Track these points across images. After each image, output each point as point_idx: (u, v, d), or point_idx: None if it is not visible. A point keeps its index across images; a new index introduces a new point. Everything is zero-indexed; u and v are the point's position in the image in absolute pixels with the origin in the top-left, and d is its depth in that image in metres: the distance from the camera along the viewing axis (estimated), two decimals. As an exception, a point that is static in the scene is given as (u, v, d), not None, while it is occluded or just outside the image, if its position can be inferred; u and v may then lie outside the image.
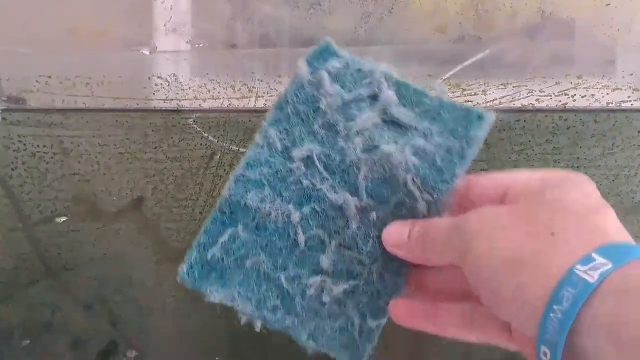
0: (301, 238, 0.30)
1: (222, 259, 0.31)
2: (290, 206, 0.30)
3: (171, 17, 0.45)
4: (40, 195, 0.49)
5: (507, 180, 0.27)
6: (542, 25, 0.44)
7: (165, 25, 0.46)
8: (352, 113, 0.30)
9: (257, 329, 0.30)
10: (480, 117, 0.29)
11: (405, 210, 0.29)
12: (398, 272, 0.29)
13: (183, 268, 0.30)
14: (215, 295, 0.30)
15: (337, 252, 0.30)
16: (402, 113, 0.30)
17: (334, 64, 0.31)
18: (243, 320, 0.30)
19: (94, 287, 0.50)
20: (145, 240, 0.49)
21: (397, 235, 0.28)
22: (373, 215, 0.29)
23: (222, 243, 0.30)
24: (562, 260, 0.21)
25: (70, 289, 0.51)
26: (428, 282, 0.30)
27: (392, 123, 0.30)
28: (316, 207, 0.30)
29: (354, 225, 0.29)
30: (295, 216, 0.30)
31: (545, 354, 0.20)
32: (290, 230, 0.30)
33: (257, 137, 0.31)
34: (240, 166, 0.31)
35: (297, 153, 0.30)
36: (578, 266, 0.20)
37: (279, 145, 0.31)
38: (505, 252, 0.22)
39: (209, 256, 0.31)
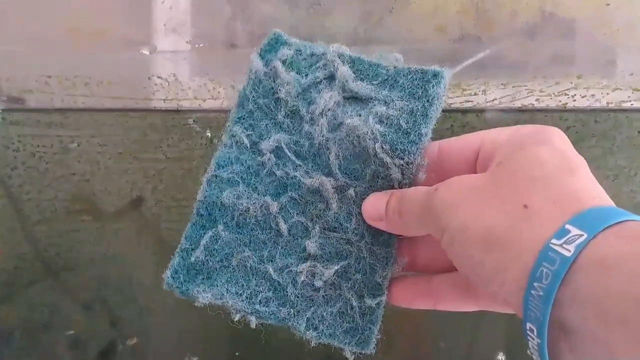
0: (283, 227, 0.30)
1: (207, 260, 0.30)
2: (267, 198, 0.30)
3: (171, 17, 0.45)
4: (40, 195, 0.49)
5: (476, 142, 0.26)
6: (542, 25, 0.44)
7: (165, 25, 0.46)
8: (312, 96, 0.30)
9: (253, 326, 0.29)
10: (436, 75, 0.29)
11: (381, 181, 0.28)
12: (387, 243, 0.29)
13: (167, 274, 0.30)
14: (203, 295, 0.29)
15: (323, 236, 0.29)
16: (360, 86, 0.30)
17: (286, 52, 0.31)
18: (236, 317, 0.29)
19: (94, 287, 0.50)
20: (145, 240, 0.49)
21: (374, 209, 0.28)
22: (351, 192, 0.29)
23: (204, 245, 0.30)
24: (537, 235, 0.20)
25: (70, 289, 0.51)
26: (419, 253, 0.30)
27: (353, 98, 0.30)
28: (293, 194, 0.30)
29: (334, 206, 0.29)
30: (274, 207, 0.30)
31: (531, 330, 0.20)
32: (271, 222, 0.30)
33: (224, 138, 0.31)
34: (211, 168, 0.31)
35: (266, 145, 0.30)
36: (554, 240, 0.20)
37: (246, 142, 0.31)
38: (478, 230, 0.22)
39: (192, 259, 0.30)
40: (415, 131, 0.28)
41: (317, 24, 0.45)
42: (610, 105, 0.45)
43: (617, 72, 0.45)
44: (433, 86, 0.29)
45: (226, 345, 0.51)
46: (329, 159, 0.29)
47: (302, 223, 0.30)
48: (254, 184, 0.30)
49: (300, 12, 0.45)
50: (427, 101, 0.29)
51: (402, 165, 0.28)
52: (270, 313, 0.29)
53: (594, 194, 0.22)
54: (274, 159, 0.30)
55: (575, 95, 0.45)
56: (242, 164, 0.31)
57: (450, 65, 0.45)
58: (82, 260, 0.50)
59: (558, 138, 0.24)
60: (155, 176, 0.48)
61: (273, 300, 0.29)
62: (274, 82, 0.31)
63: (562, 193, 0.21)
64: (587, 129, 0.46)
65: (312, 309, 0.29)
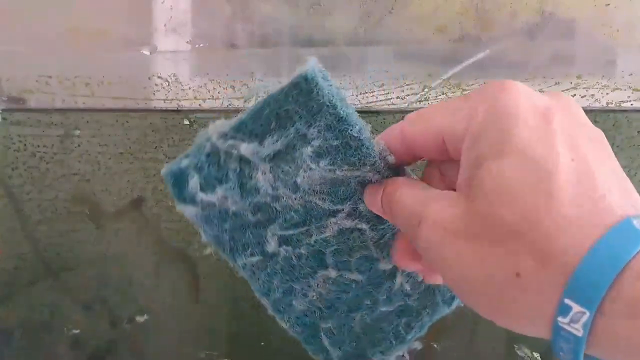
0: (355, 276, 0.31)
1: (346, 350, 0.33)
2: (321, 272, 0.31)
3: (171, 17, 0.45)
4: (40, 195, 0.49)
5: (438, 131, 0.24)
6: (542, 25, 0.44)
7: (165, 25, 0.46)
8: (251, 185, 0.29)
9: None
10: (306, 79, 0.26)
11: (369, 183, 0.28)
12: None
13: None
14: None
15: (381, 247, 0.30)
16: (269, 145, 0.28)
17: (192, 181, 0.30)
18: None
19: (94, 287, 0.50)
20: (145, 240, 0.49)
21: (371, 203, 0.28)
22: (361, 207, 0.29)
23: (329, 344, 0.33)
24: (543, 312, 0.20)
25: (70, 289, 0.51)
26: None
27: (277, 155, 0.28)
28: (331, 249, 0.30)
29: (364, 226, 0.29)
30: (331, 272, 0.30)
31: None
32: (343, 282, 0.31)
33: (242, 274, 0.32)
34: (263, 302, 0.32)
35: (271, 247, 0.30)
36: (560, 318, 0.19)
37: (258, 259, 0.31)
38: (476, 297, 0.22)
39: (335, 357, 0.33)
40: (349, 137, 0.26)
41: (317, 24, 0.45)
42: (609, 105, 0.45)
43: (616, 72, 0.45)
44: (317, 92, 0.26)
45: (228, 345, 0.51)
46: (318, 206, 0.29)
47: (360, 257, 0.30)
48: (301, 275, 0.31)
49: (300, 12, 0.45)
50: (328, 106, 0.26)
51: (370, 168, 0.27)
52: (415, 334, 0.33)
53: (576, 226, 0.19)
54: (289, 247, 0.30)
55: (575, 95, 0.45)
56: (276, 273, 0.31)
57: (450, 65, 0.45)
58: (82, 260, 0.50)
59: (513, 123, 0.21)
60: (155, 176, 0.48)
61: (410, 324, 0.33)
62: (215, 208, 0.30)
63: (544, 246, 0.19)
64: (587, 129, 0.46)
65: (410, 310, 0.32)
